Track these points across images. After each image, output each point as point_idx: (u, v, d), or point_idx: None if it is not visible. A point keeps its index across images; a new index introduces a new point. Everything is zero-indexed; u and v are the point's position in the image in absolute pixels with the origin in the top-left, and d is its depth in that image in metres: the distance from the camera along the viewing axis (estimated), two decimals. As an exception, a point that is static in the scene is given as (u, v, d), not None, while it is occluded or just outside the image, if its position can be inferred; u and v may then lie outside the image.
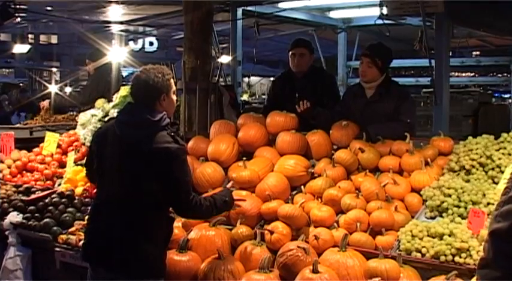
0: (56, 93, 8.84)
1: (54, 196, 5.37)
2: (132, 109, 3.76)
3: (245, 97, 20.26)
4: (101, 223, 3.74)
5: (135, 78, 3.76)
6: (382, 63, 5.24)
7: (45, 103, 8.36)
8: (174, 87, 3.81)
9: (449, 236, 3.68)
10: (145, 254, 3.60)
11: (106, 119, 6.32)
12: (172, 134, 3.63)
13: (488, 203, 3.92)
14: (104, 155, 3.77)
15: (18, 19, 9.33)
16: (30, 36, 19.78)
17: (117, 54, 9.31)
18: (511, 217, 2.25)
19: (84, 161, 5.99)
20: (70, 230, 4.87)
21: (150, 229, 3.63)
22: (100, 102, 6.69)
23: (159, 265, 3.70)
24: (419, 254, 3.70)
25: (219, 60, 9.37)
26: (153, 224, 3.65)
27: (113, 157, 3.71)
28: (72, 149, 6.30)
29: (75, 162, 6.02)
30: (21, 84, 19.91)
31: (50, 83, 18.77)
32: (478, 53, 17.23)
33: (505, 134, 4.55)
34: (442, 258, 3.59)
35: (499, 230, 2.27)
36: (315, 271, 3.54)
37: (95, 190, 5.31)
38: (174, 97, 3.83)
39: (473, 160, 4.38)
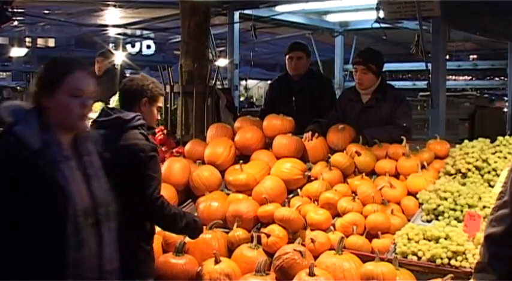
0: None
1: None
2: (108, 111, 3.75)
3: (242, 99, 20.25)
4: None
5: (128, 79, 3.86)
6: (376, 68, 5.24)
7: None
8: (160, 103, 3.82)
9: (445, 239, 3.69)
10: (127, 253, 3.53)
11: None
12: (145, 133, 3.60)
13: (484, 207, 3.93)
14: None
15: (16, 22, 9.34)
16: (27, 39, 19.78)
17: (115, 58, 9.32)
18: (505, 221, 2.28)
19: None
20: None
21: (129, 229, 3.57)
22: (97, 106, 6.69)
23: (143, 264, 3.60)
24: (415, 257, 3.71)
25: (216, 63, 9.39)
26: (132, 225, 3.57)
27: None
28: (69, 152, 6.29)
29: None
30: (18, 88, 19.89)
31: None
32: (474, 56, 17.27)
33: (500, 138, 4.57)
34: (438, 261, 3.60)
35: (494, 235, 2.31)
36: (311, 274, 3.55)
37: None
38: (156, 111, 3.81)
39: (469, 163, 4.39)
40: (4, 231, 2.49)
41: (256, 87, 24.95)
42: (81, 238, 2.55)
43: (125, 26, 12.00)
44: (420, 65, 8.70)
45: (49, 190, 2.50)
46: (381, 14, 7.20)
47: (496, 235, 2.30)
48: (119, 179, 3.49)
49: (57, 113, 2.61)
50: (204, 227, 4.26)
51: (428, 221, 4.06)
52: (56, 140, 2.61)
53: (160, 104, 3.86)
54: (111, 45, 14.53)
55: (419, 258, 3.69)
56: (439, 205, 4.04)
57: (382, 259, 3.69)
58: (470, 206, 3.96)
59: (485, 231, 2.37)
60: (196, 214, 4.45)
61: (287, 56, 6.17)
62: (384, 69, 5.45)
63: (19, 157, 2.48)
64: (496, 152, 4.46)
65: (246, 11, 9.65)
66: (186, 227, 3.73)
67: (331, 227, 4.16)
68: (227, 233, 4.28)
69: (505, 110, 11.87)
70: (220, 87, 8.14)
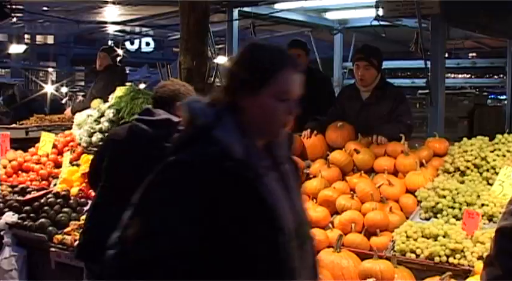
0: (79, 101, 8.76)
1: (49, 196, 5.37)
2: (153, 111, 3.81)
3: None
4: (103, 221, 3.74)
5: (156, 88, 3.93)
6: (377, 63, 5.23)
7: (69, 112, 8.31)
8: None
9: (444, 237, 3.70)
10: None
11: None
12: None
13: (483, 205, 3.94)
14: (121, 156, 3.83)
15: (15, 19, 9.33)
16: (26, 36, 19.76)
17: (119, 55, 9.30)
18: None
19: (79, 161, 6.02)
20: (65, 230, 4.88)
21: None
22: (96, 102, 6.69)
23: None
24: (413, 255, 3.71)
25: (215, 61, 9.36)
26: None
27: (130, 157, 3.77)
28: (68, 150, 6.30)
29: (70, 162, 6.02)
30: (17, 85, 19.88)
31: (46, 83, 18.77)
32: (473, 54, 17.26)
33: (499, 136, 4.58)
34: (437, 259, 3.61)
35: (505, 228, 2.21)
36: (309, 271, 3.54)
37: (90, 190, 5.32)
38: None
39: (468, 161, 4.39)
40: (200, 262, 1.95)
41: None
42: (292, 265, 2.06)
43: (123, 23, 11.98)
44: (419, 63, 8.70)
45: (257, 209, 1.99)
46: (380, 12, 7.20)
47: (508, 228, 2.24)
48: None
49: (256, 116, 2.08)
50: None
51: (427, 219, 4.07)
52: (256, 147, 2.10)
53: None
54: (110, 42, 14.51)
55: (417, 256, 3.70)
56: (437, 203, 4.04)
57: (380, 257, 3.70)
58: (468, 204, 3.97)
59: (498, 224, 2.31)
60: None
61: (286, 54, 6.16)
62: (383, 66, 5.44)
63: (223, 170, 1.95)
64: (494, 150, 4.47)
65: (245, 9, 9.64)
66: None
67: (330, 225, 4.16)
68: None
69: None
70: (219, 84, 8.13)
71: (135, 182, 3.62)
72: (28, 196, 5.48)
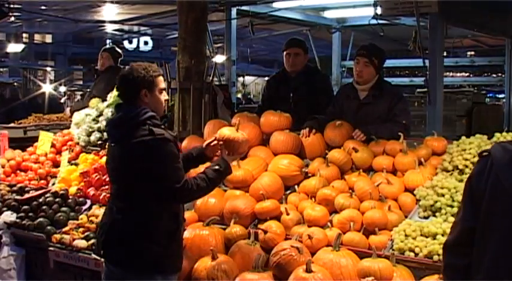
0: (77, 101, 8.77)
1: (48, 195, 5.36)
2: (117, 109, 3.81)
3: (239, 95, 20.18)
4: (105, 219, 3.75)
5: (120, 75, 3.74)
6: (378, 63, 5.23)
7: (68, 113, 8.31)
8: (160, 85, 3.70)
9: (443, 235, 3.69)
10: (140, 249, 3.55)
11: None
12: (150, 127, 3.53)
13: (481, 203, 3.93)
14: (109, 154, 3.86)
15: (13, 18, 9.33)
16: (24, 35, 19.75)
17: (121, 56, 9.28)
18: (456, 229, 2.25)
19: (77, 160, 6.03)
20: (64, 229, 4.87)
21: (147, 224, 3.57)
22: (94, 101, 6.68)
23: (160, 261, 3.58)
24: (412, 254, 3.71)
25: (214, 59, 9.37)
26: (151, 220, 3.57)
27: (111, 157, 3.80)
28: (66, 149, 6.30)
29: (69, 161, 6.02)
30: (15, 84, 19.86)
31: (45, 83, 18.74)
32: (472, 53, 17.27)
33: (498, 134, 4.57)
34: (435, 257, 3.60)
35: (447, 243, 2.27)
36: (308, 270, 3.54)
37: (88, 189, 5.32)
38: (161, 96, 3.71)
39: (466, 159, 4.39)
40: None
41: (254, 84, 24.93)
42: None
43: (122, 22, 11.98)
44: (418, 62, 8.71)
45: None
46: (379, 11, 7.20)
47: (450, 242, 2.27)
48: (139, 176, 3.54)
49: None
50: (201, 223, 4.27)
51: (426, 218, 4.06)
52: None
53: (162, 85, 3.73)
54: (108, 41, 14.52)
55: (416, 254, 3.69)
56: (436, 202, 4.04)
57: (379, 256, 3.69)
58: (467, 203, 3.96)
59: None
60: (194, 209, 4.50)
61: (285, 52, 6.16)
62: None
63: None
64: (493, 148, 4.46)
65: (244, 7, 9.64)
66: (215, 182, 3.78)
67: (329, 224, 4.16)
68: (224, 229, 4.28)
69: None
70: (217, 83, 8.14)
71: (118, 183, 3.75)
72: (26, 195, 5.47)
